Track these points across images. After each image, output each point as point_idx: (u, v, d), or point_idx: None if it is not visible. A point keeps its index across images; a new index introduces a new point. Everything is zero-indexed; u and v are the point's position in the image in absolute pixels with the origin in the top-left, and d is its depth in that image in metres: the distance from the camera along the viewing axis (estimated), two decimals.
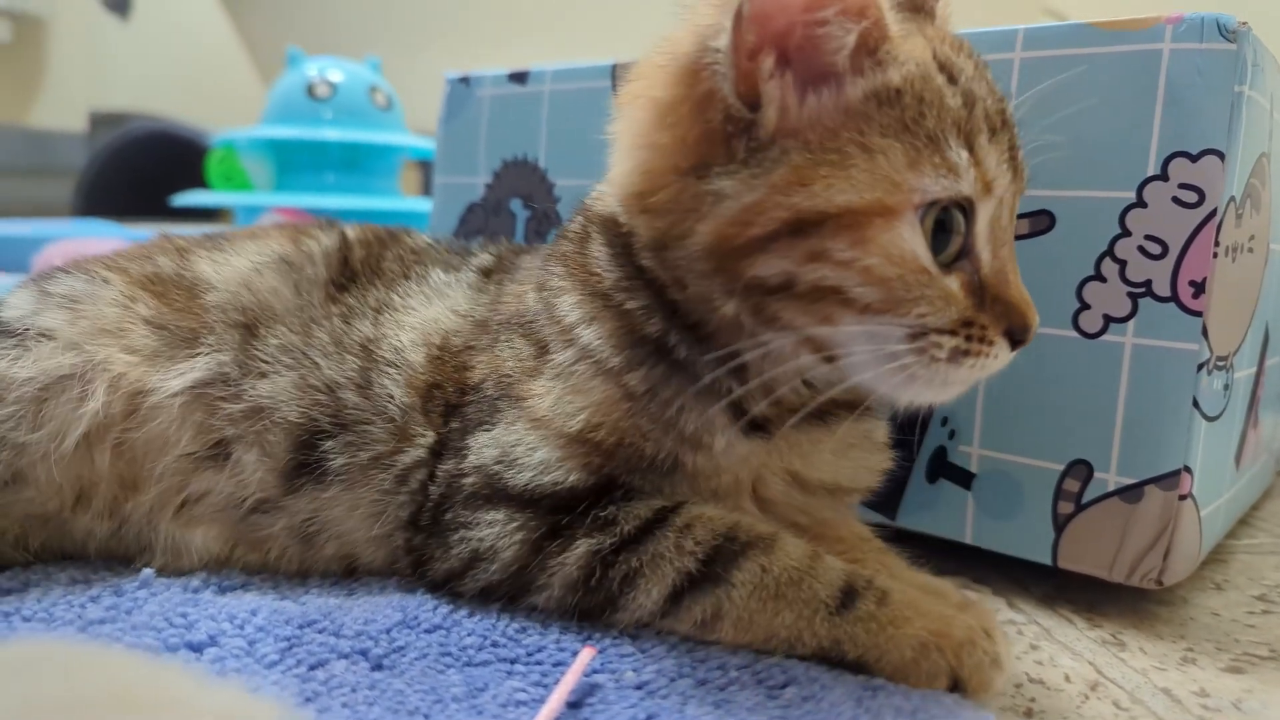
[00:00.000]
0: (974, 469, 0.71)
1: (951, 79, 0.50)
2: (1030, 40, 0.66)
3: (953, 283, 0.50)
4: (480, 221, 1.04)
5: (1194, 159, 0.61)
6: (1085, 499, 0.66)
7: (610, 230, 0.57)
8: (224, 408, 0.59)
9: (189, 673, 0.30)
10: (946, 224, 0.49)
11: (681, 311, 0.54)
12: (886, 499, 0.74)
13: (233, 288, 0.63)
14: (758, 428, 0.55)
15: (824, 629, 0.51)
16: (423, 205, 1.73)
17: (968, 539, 0.72)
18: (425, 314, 0.64)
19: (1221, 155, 0.60)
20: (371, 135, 1.56)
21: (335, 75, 1.60)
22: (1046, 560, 0.68)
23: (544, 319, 0.59)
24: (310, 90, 1.57)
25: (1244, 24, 0.60)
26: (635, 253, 0.55)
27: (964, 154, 0.49)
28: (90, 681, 0.26)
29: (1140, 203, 0.63)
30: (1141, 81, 0.62)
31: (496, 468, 0.55)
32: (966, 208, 0.50)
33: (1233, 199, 0.62)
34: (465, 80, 1.04)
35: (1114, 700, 0.55)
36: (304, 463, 0.58)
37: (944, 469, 0.72)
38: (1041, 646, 0.62)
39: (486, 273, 0.68)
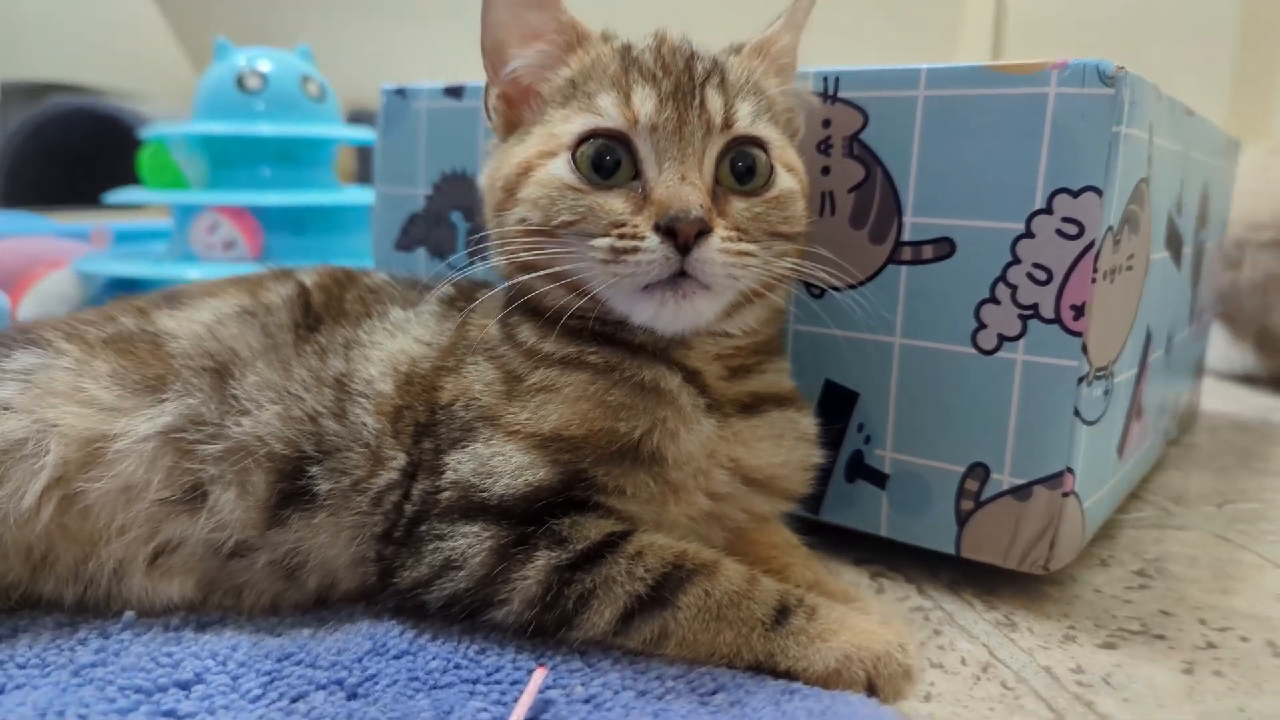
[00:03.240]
0: (887, 470, 0.78)
1: (619, 51, 0.66)
2: (932, 79, 0.72)
3: (614, 198, 0.61)
4: (422, 232, 1.07)
5: (1075, 195, 0.67)
6: (983, 497, 0.73)
7: None
8: (201, 449, 0.62)
9: None
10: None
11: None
12: (811, 496, 0.80)
13: (197, 336, 0.67)
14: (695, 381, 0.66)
15: (760, 644, 0.57)
16: (361, 196, 1.73)
17: (882, 532, 0.79)
18: (390, 347, 0.69)
19: (1099, 191, 0.67)
20: (307, 129, 1.56)
21: (264, 65, 1.59)
22: (951, 551, 0.76)
23: (508, 348, 0.66)
24: (240, 82, 1.56)
25: (1121, 69, 0.66)
26: None
27: (608, 99, 0.62)
28: None
29: (1029, 233, 0.69)
30: (1030, 122, 0.68)
31: (474, 479, 0.61)
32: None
33: (1110, 228, 0.68)
34: (401, 92, 1.06)
35: (1002, 680, 0.63)
36: (291, 492, 0.63)
37: (861, 470, 0.79)
38: (944, 631, 0.70)
39: (450, 301, 0.74)
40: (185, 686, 0.56)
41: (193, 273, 1.47)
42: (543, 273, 0.63)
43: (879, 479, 0.78)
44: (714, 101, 0.62)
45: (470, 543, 0.60)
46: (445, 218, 1.04)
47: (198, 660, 0.58)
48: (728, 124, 0.62)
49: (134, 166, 2.99)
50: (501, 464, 0.61)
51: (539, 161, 0.64)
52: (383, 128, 1.09)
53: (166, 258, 1.59)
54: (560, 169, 0.62)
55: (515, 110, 0.70)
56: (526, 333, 0.66)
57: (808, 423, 0.70)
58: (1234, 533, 0.89)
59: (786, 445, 0.68)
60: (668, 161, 0.60)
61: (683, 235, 0.58)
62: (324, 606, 0.66)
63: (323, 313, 0.71)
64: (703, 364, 0.67)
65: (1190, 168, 0.92)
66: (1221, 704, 0.60)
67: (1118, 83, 0.66)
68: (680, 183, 0.59)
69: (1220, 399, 1.42)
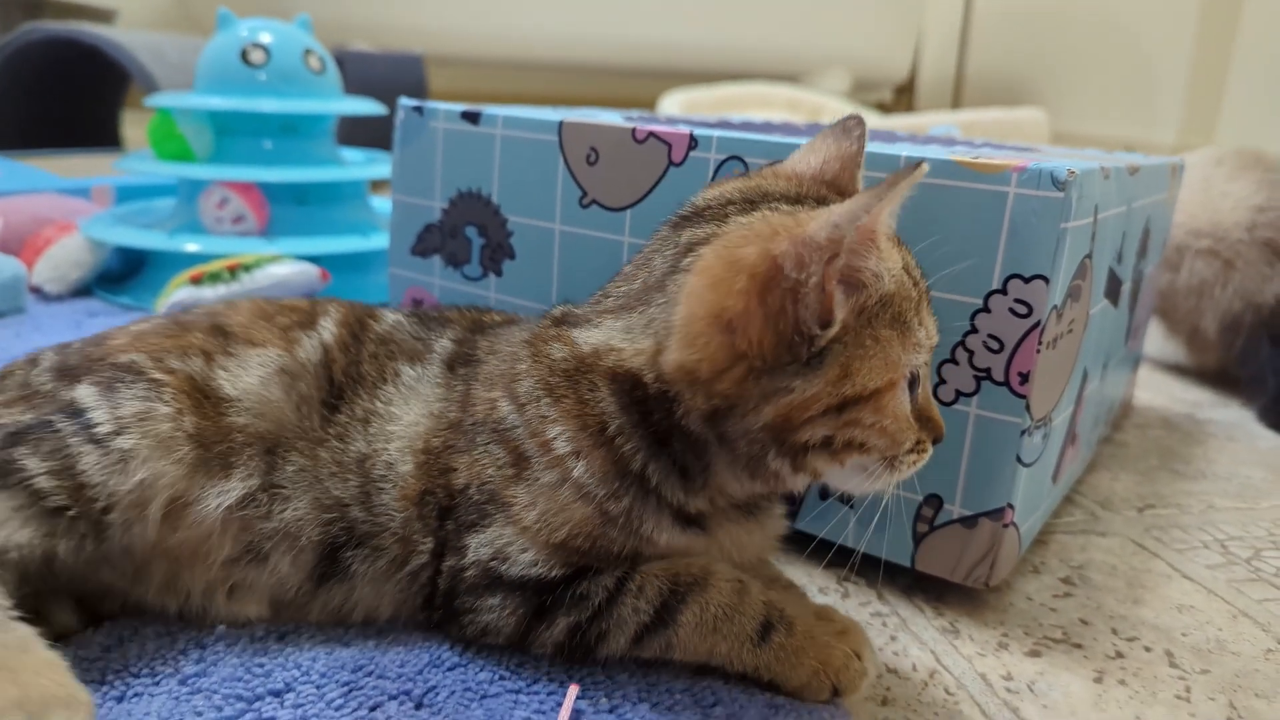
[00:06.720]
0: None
1: (909, 273, 0.68)
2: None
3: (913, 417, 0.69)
4: (438, 241, 1.16)
5: (1026, 280, 0.78)
6: (937, 522, 0.86)
7: (625, 386, 0.68)
8: (258, 525, 0.71)
9: None
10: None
11: (698, 453, 0.68)
12: (790, 509, 0.93)
13: (252, 407, 0.73)
14: (696, 524, 0.72)
15: (749, 658, 0.70)
16: (361, 163, 1.79)
17: (849, 544, 0.92)
18: (406, 419, 0.75)
19: (1047, 279, 0.78)
20: (310, 105, 1.61)
21: (266, 38, 1.62)
22: (907, 564, 0.89)
23: (524, 434, 0.70)
24: (244, 56, 1.60)
25: (1072, 173, 0.77)
26: (670, 412, 0.66)
27: (922, 331, 0.67)
28: None
29: (986, 309, 0.80)
30: (992, 215, 0.79)
31: (492, 563, 0.71)
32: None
33: (1055, 307, 0.80)
34: (419, 109, 1.13)
35: (945, 686, 0.77)
36: (329, 572, 0.73)
37: (833, 490, 0.92)
38: (899, 638, 0.83)
39: (450, 365, 0.79)
40: (279, 695, 0.68)
41: (202, 246, 1.54)
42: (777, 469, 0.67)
43: (848, 499, 0.91)
44: None
45: (497, 615, 0.71)
46: (460, 231, 1.13)
47: (285, 671, 0.70)
48: None
49: (115, 104, 2.95)
50: (515, 553, 0.70)
51: (887, 389, 0.64)
52: (400, 141, 1.16)
53: (174, 226, 1.65)
54: (906, 400, 0.66)
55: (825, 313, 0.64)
56: (559, 438, 0.69)
57: (781, 510, 0.79)
58: (1150, 540, 1.04)
59: (770, 529, 0.78)
60: (926, 380, 0.69)
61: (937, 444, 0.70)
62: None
63: (344, 383, 0.76)
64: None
65: (1133, 218, 1.04)
66: (1122, 712, 0.74)
67: (1067, 187, 0.76)
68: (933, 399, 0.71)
69: (1153, 390, 1.56)
